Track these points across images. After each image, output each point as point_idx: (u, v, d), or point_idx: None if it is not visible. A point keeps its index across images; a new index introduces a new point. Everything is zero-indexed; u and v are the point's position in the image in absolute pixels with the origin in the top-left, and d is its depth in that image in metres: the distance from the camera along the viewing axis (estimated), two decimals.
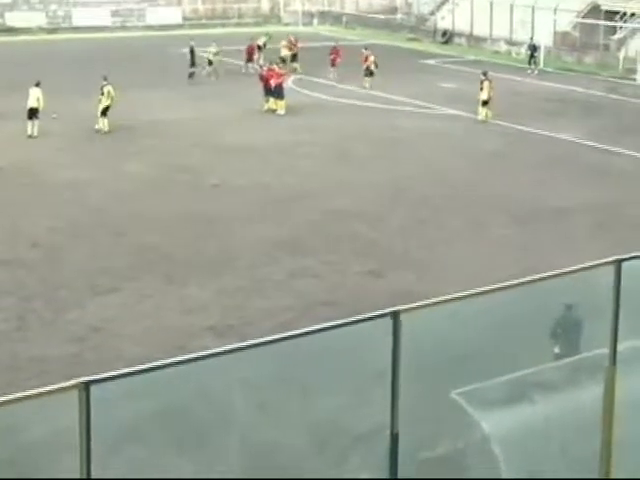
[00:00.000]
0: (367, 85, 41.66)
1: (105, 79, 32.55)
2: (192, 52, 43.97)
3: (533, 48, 49.30)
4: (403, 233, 21.80)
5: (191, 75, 43.70)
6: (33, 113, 31.42)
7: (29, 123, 31.46)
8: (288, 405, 7.45)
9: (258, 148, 30.39)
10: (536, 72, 48.05)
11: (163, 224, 22.19)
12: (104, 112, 32.23)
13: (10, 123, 32.96)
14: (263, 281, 18.51)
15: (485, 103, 35.27)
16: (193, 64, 43.94)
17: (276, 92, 36.08)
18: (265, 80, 36.59)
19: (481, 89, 35.46)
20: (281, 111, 35.87)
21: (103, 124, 32.25)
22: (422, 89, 39.75)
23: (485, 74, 35.73)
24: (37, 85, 31.77)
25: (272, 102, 36.30)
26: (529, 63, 48.95)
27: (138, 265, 19.35)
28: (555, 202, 24.23)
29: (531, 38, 50.43)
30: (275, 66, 37.72)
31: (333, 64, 43.85)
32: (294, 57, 46.08)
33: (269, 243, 20.84)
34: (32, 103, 31.22)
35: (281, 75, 36.68)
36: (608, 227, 22.30)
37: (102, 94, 32.15)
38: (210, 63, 43.99)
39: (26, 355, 15.00)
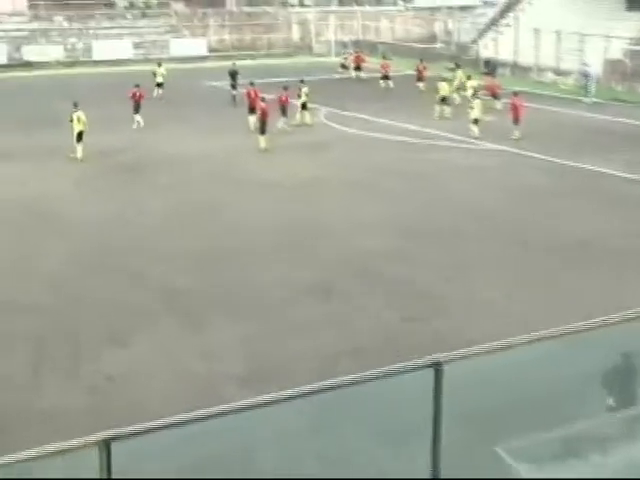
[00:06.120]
0: (308, 120, 40.99)
1: (75, 106, 33.42)
2: (234, 76, 46.24)
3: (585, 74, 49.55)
4: (435, 273, 21.64)
5: (233, 99, 45.53)
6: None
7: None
8: (324, 457, 7.38)
9: (283, 183, 30.41)
10: (587, 101, 48.11)
11: (182, 262, 22.26)
12: (79, 138, 33.09)
13: (16, 161, 33.53)
14: (290, 325, 18.42)
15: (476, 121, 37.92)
16: (234, 87, 45.74)
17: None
18: (265, 114, 36.06)
19: (471, 107, 38.34)
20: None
21: (78, 151, 32.95)
22: (460, 123, 39.61)
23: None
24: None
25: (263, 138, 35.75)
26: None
27: (157, 307, 19.39)
28: (606, 240, 23.96)
29: (584, 64, 50.46)
30: None
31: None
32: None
33: (294, 283, 20.77)
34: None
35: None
36: None
37: (71, 120, 33.06)
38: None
39: (41, 405, 15.00)
